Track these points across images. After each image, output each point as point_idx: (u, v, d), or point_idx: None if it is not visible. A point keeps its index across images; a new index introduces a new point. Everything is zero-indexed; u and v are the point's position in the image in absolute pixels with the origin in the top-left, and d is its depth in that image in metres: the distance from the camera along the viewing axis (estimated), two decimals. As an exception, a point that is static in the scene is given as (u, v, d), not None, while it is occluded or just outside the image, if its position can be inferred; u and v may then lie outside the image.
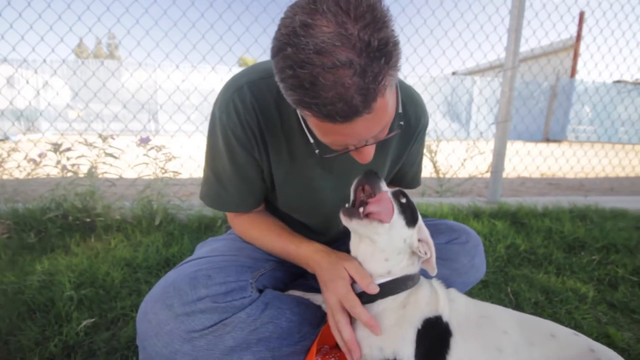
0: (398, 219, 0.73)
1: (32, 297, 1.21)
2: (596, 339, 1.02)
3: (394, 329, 0.71)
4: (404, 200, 0.75)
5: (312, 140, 0.71)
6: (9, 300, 1.19)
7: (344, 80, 0.53)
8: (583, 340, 0.71)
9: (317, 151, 0.71)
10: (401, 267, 0.75)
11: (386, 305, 0.73)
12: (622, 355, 0.71)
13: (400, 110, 0.70)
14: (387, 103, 0.61)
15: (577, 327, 1.16)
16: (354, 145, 0.67)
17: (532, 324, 0.75)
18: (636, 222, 2.27)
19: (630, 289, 1.44)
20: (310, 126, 0.66)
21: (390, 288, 0.74)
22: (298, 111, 0.67)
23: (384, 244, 0.73)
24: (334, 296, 0.74)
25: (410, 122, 0.95)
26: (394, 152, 0.98)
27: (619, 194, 3.72)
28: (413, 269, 0.77)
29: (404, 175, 1.08)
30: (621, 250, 1.79)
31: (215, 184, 0.90)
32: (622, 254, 1.75)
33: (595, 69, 3.60)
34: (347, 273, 0.76)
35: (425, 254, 0.76)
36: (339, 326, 0.73)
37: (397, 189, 0.78)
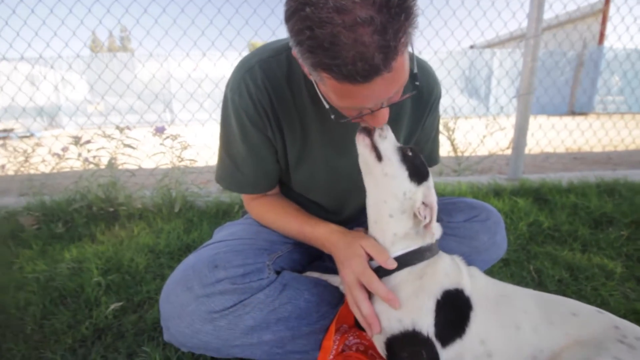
0: (398, 167, 0.73)
1: (63, 283, 1.27)
2: (623, 315, 0.99)
3: (412, 299, 0.70)
4: (410, 154, 0.74)
5: (327, 106, 0.69)
6: (41, 287, 1.26)
7: (364, 38, 0.51)
8: (607, 317, 0.69)
9: (332, 116, 0.69)
10: (406, 230, 0.74)
11: (402, 277, 0.73)
12: (651, 332, 0.69)
13: (415, 71, 0.68)
14: (405, 62, 0.59)
15: (603, 304, 1.13)
16: (370, 109, 0.65)
17: (553, 304, 0.73)
18: (669, 195, 2.16)
19: (662, 264, 1.38)
20: (326, 91, 0.65)
21: (407, 259, 0.73)
22: (313, 77, 0.65)
23: (382, 187, 0.74)
24: (351, 274, 0.74)
25: (423, 93, 0.92)
26: (408, 127, 0.95)
27: (650, 166, 3.53)
28: (423, 240, 0.75)
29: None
30: (652, 224, 1.71)
31: (230, 165, 0.91)
32: (653, 228, 1.67)
33: (627, 33, 3.36)
34: (363, 250, 0.75)
35: (425, 218, 0.73)
36: (357, 302, 0.73)
37: (408, 145, 0.77)
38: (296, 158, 0.89)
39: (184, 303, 0.74)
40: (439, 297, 0.70)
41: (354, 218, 1.06)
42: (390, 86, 0.60)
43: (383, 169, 0.73)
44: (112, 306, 1.13)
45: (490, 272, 1.19)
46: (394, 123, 0.91)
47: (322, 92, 0.68)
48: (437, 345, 0.67)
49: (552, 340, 0.67)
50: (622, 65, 9.78)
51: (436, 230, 0.76)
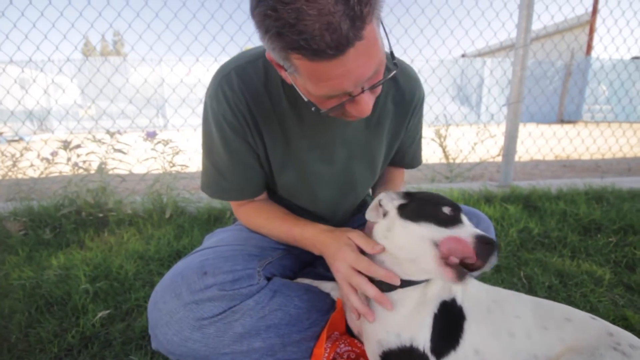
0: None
1: (50, 291, 1.24)
2: (613, 321, 1.00)
3: (413, 315, 0.70)
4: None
5: (305, 99, 0.66)
6: (27, 295, 1.23)
7: (328, 7, 0.51)
8: (600, 324, 0.69)
9: (312, 108, 0.67)
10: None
11: (404, 292, 0.72)
12: (640, 338, 0.69)
13: (389, 50, 0.68)
14: (377, 35, 0.58)
15: (592, 310, 1.14)
16: (350, 94, 0.63)
17: (546, 309, 0.73)
18: (655, 202, 2.20)
19: (649, 270, 1.40)
20: (302, 83, 0.63)
21: (411, 280, 0.72)
22: (287, 73, 0.63)
23: None
24: (343, 263, 0.74)
25: (405, 96, 0.92)
26: (390, 131, 0.96)
27: (637, 174, 3.60)
28: None
29: (403, 156, 1.06)
30: (639, 231, 1.74)
31: (214, 173, 0.90)
32: (639, 235, 1.70)
33: (612, 44, 3.45)
34: (352, 241, 0.76)
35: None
36: (361, 287, 0.71)
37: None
38: (279, 163, 0.89)
39: (172, 310, 0.73)
40: (436, 311, 0.70)
41: (344, 223, 1.06)
42: (366, 62, 0.59)
43: None
44: (100, 314, 1.11)
45: (483, 279, 1.20)
46: (376, 129, 0.91)
47: (299, 86, 0.66)
48: (432, 359, 0.67)
49: (546, 346, 0.67)
50: (609, 75, 10.03)
51: None
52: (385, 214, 0.75)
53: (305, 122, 0.84)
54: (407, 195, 0.75)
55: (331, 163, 0.91)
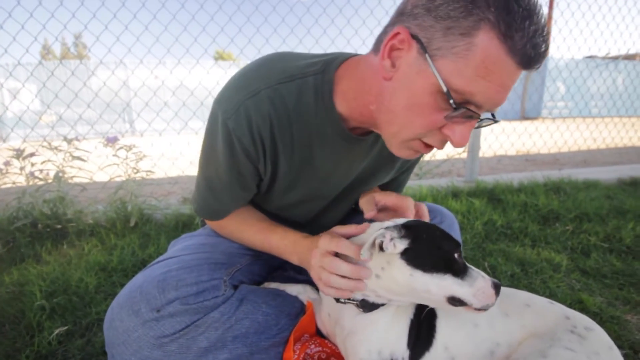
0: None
1: (1, 309, 1.15)
2: (570, 305, 1.06)
3: (392, 326, 0.71)
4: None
5: (445, 89, 0.56)
6: (-25, 316, 1.14)
7: (546, 27, 0.53)
8: (558, 308, 0.72)
9: (451, 101, 0.56)
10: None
11: (386, 309, 0.72)
12: (594, 319, 0.73)
13: None
14: None
15: (551, 295, 1.20)
16: (475, 112, 0.58)
17: (507, 296, 0.76)
18: (607, 191, 2.36)
19: (602, 255, 1.49)
20: (456, 67, 0.54)
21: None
22: (442, 52, 0.55)
23: None
24: (316, 253, 0.69)
25: None
26: (399, 163, 0.95)
27: (591, 166, 3.85)
28: None
29: (393, 181, 1.05)
30: (593, 219, 1.85)
31: (204, 188, 0.83)
32: (594, 222, 1.81)
33: (564, 43, 3.67)
34: (332, 231, 0.75)
35: None
36: (333, 266, 0.65)
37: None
38: (284, 187, 0.83)
39: (129, 328, 0.69)
40: (412, 316, 0.71)
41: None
42: (510, 89, 0.58)
43: None
44: (57, 331, 1.04)
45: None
46: (389, 156, 0.88)
47: (443, 71, 0.56)
48: None
49: (508, 333, 0.70)
50: (562, 73, 10.68)
51: None
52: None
53: (327, 149, 0.78)
54: (408, 231, 0.65)
55: (338, 187, 0.89)
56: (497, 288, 0.64)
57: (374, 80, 0.66)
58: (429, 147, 0.67)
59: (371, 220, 0.78)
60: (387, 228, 0.64)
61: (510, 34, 0.51)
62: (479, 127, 0.68)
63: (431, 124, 0.61)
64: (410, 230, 0.65)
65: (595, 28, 3.56)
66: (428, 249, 0.64)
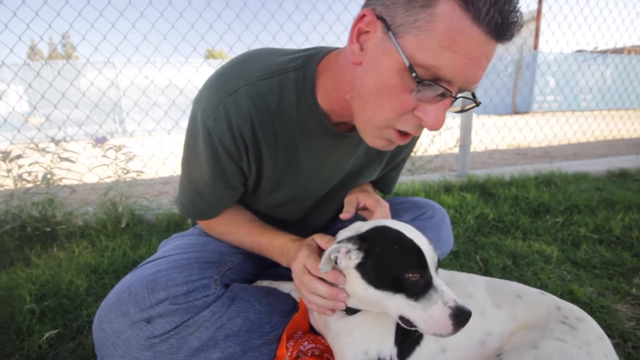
0: None
1: (-11, 315, 1.13)
2: (561, 296, 1.07)
3: (377, 326, 0.71)
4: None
5: (407, 63, 0.54)
6: (-38, 321, 1.11)
7: None
8: (549, 299, 0.73)
9: (414, 74, 0.54)
10: None
11: (365, 311, 0.72)
12: (584, 309, 0.74)
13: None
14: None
15: (542, 286, 1.21)
16: (447, 89, 0.55)
17: (499, 287, 0.76)
18: (597, 183, 2.39)
19: (592, 246, 1.51)
20: (421, 41, 0.53)
21: None
22: (397, 31, 0.54)
23: None
24: (298, 263, 0.72)
25: None
26: (386, 160, 0.95)
27: (580, 159, 3.89)
28: None
29: (382, 178, 1.04)
30: (583, 210, 1.87)
31: (190, 190, 0.82)
32: (584, 214, 1.83)
33: (553, 37, 3.70)
34: (312, 240, 0.75)
35: None
36: (311, 286, 0.68)
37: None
38: (272, 185, 0.82)
39: (118, 330, 0.68)
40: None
41: (317, 230, 1.04)
42: (483, 68, 0.55)
43: None
44: (47, 334, 1.03)
45: (442, 265, 1.24)
46: (376, 154, 0.89)
47: (406, 47, 0.54)
48: None
49: (500, 323, 0.70)
50: (551, 67, 10.77)
51: None
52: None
53: (311, 146, 0.78)
54: (363, 243, 0.63)
55: (327, 185, 0.89)
56: (458, 318, 0.57)
57: (348, 68, 0.65)
58: (404, 137, 0.65)
59: (352, 220, 0.80)
60: (346, 239, 0.62)
61: (472, 1, 0.49)
62: (462, 111, 0.66)
63: (402, 106, 0.58)
64: (366, 242, 0.63)
65: (584, 22, 3.59)
66: (379, 265, 0.62)
